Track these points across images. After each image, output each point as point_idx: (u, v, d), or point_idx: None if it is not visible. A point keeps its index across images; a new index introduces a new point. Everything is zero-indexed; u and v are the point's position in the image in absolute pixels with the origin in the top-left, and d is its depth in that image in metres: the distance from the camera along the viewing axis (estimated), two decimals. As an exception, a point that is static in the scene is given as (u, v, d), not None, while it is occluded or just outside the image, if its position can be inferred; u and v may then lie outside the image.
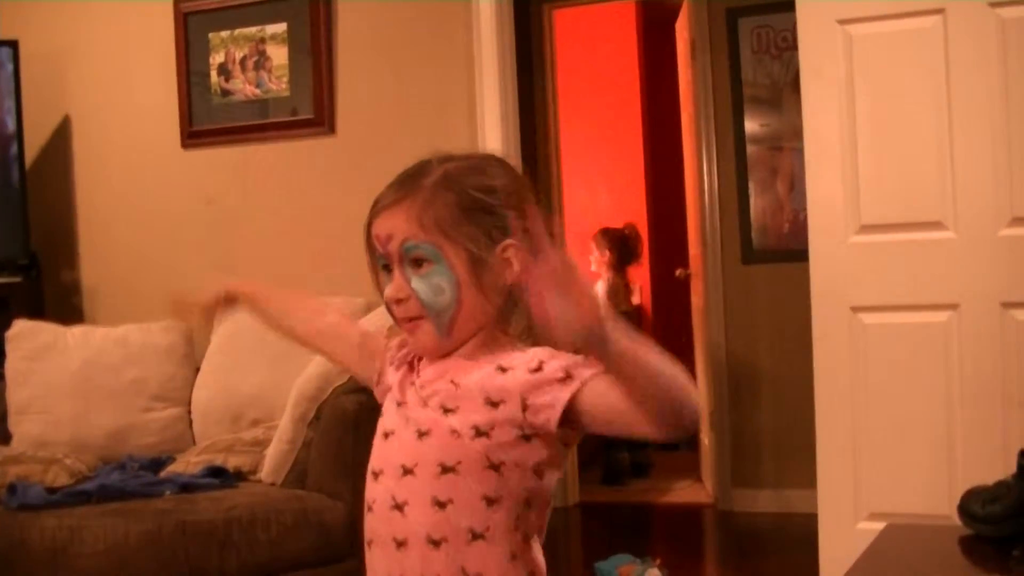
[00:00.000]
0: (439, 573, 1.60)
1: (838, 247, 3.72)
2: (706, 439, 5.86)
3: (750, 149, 5.45)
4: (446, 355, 1.68)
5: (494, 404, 1.59)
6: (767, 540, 5.03)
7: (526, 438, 1.59)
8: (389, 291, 1.66)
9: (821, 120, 3.74)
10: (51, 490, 3.46)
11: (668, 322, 8.00)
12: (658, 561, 4.18)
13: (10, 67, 4.60)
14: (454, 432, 1.60)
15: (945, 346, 3.60)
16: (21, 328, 4.19)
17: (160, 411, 4.10)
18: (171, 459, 3.81)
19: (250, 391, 3.98)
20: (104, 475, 3.62)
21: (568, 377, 1.55)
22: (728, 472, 5.53)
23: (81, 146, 4.95)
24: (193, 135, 4.74)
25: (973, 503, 2.44)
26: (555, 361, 1.57)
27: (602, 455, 6.44)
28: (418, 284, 1.63)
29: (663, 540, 5.20)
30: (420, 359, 1.73)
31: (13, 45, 4.62)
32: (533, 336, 1.65)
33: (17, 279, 4.63)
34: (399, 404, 1.70)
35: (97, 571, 3.16)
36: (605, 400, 1.52)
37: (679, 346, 7.23)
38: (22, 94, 4.63)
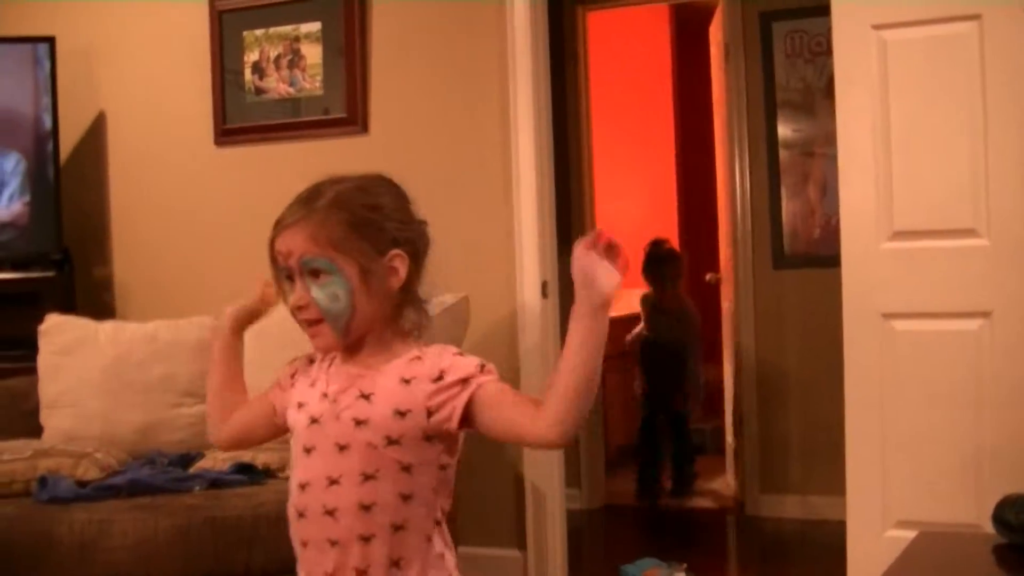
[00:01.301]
0: (371, 564, 1.86)
1: (870, 253, 3.71)
2: (733, 443, 5.84)
3: (782, 154, 5.43)
4: (347, 358, 1.94)
5: (402, 414, 1.85)
6: (794, 546, 5.02)
7: (429, 439, 1.87)
8: (292, 299, 1.90)
9: (854, 125, 3.72)
10: (81, 484, 3.48)
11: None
12: (684, 565, 4.18)
13: (46, 64, 4.64)
14: (370, 444, 1.85)
15: (977, 354, 3.58)
16: (53, 323, 4.21)
17: (189, 407, 4.11)
18: (200, 455, 3.83)
19: (279, 389, 3.99)
20: (134, 470, 3.64)
21: (465, 382, 1.83)
22: (755, 477, 5.51)
23: (115, 143, 4.98)
24: (226, 133, 4.76)
25: (1007, 512, 2.43)
26: (453, 371, 1.84)
27: (671, 466, 6.28)
28: (317, 293, 1.87)
29: (689, 544, 5.19)
30: (324, 373, 1.97)
31: (50, 42, 4.65)
32: (420, 332, 1.96)
33: (50, 274, 4.66)
34: (313, 420, 1.92)
35: (125, 565, 3.18)
36: (497, 401, 1.82)
37: (707, 350, 7.23)
38: (58, 90, 4.66)
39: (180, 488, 3.45)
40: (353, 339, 1.91)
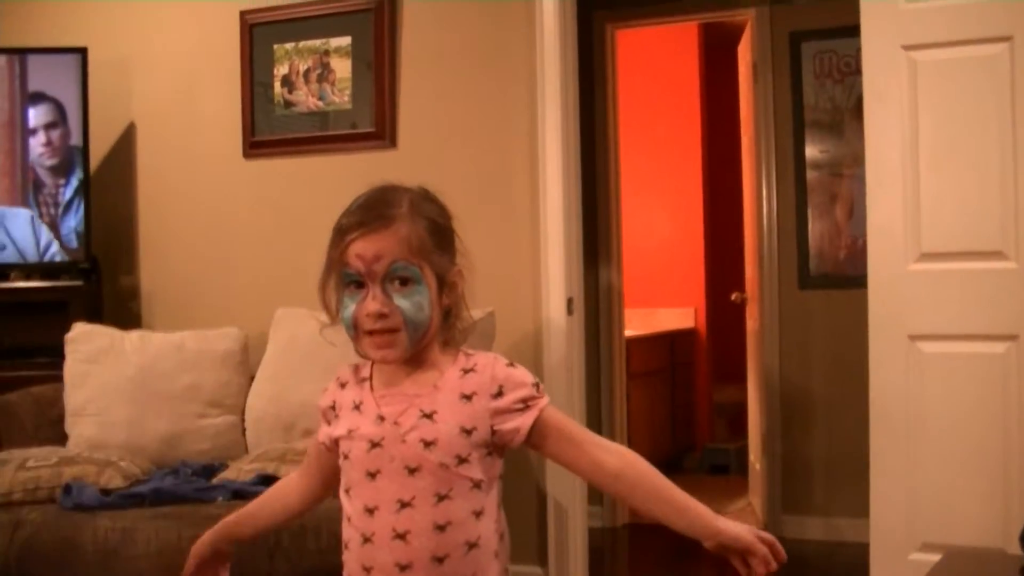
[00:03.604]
0: None
1: (897, 274, 3.70)
2: (757, 464, 5.82)
3: (810, 174, 5.42)
4: (390, 374, 1.90)
5: (468, 432, 1.83)
6: (817, 568, 4.98)
7: (490, 455, 1.87)
8: (373, 306, 1.81)
9: (883, 146, 3.72)
10: (105, 492, 3.50)
11: (722, 345, 7.97)
12: (706, 585, 4.16)
13: (78, 74, 4.67)
14: (442, 465, 1.83)
15: (1003, 377, 3.56)
16: (80, 331, 4.24)
17: (214, 418, 4.13)
18: (223, 466, 3.84)
19: (303, 400, 4.00)
20: (157, 479, 3.66)
21: (527, 407, 1.85)
22: (778, 498, 5.49)
23: (144, 153, 5.02)
24: (255, 145, 4.78)
25: (1033, 533, 2.41)
26: (512, 386, 1.86)
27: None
28: (401, 301, 1.82)
29: (710, 564, 5.17)
30: (368, 395, 1.91)
31: (82, 52, 4.69)
32: (461, 343, 1.94)
33: (78, 282, 4.69)
34: (374, 445, 1.86)
35: (148, 573, 3.19)
36: (557, 430, 1.87)
37: (731, 370, 7.21)
38: (89, 100, 4.69)
39: (203, 498, 3.46)
40: (415, 352, 1.87)
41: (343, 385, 1.98)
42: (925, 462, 3.65)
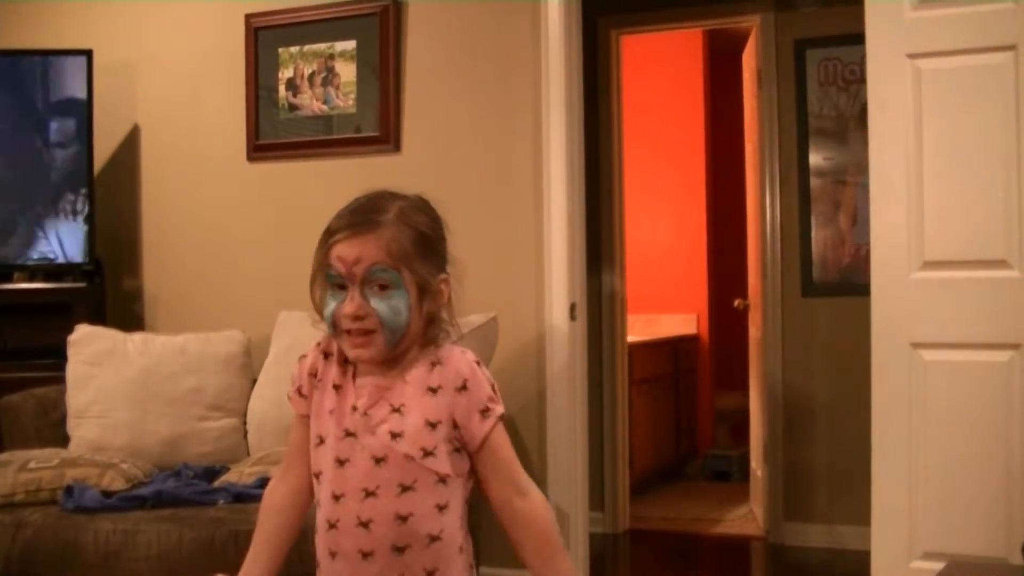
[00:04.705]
0: (403, 574, 1.89)
1: (900, 282, 3.69)
2: (759, 471, 5.82)
3: (813, 182, 5.42)
4: (373, 367, 1.94)
5: (433, 426, 1.90)
6: (818, 575, 4.98)
7: (457, 451, 1.93)
8: (349, 308, 1.87)
9: (887, 154, 3.71)
10: (107, 494, 3.50)
11: (724, 352, 7.96)
12: (707, 592, 4.16)
13: (83, 76, 4.67)
14: (407, 456, 1.89)
15: (1006, 386, 3.56)
16: (83, 333, 4.24)
17: (216, 421, 4.13)
18: (225, 469, 3.84)
19: (305, 404, 4.00)
20: (159, 481, 3.66)
21: (487, 411, 1.92)
22: (780, 505, 5.48)
23: (149, 156, 5.02)
24: (259, 148, 4.78)
25: (1034, 544, 2.41)
26: (474, 386, 1.92)
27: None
28: (378, 304, 1.87)
29: (712, 571, 5.16)
30: (350, 382, 1.96)
31: (87, 55, 4.69)
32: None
33: (81, 284, 4.69)
34: (348, 433, 1.93)
35: (149, 575, 3.19)
36: (493, 445, 1.93)
37: (733, 377, 7.20)
38: (93, 103, 4.70)
39: (204, 501, 3.46)
40: (395, 355, 1.93)
41: (326, 355, 2.02)
42: (927, 470, 3.65)
